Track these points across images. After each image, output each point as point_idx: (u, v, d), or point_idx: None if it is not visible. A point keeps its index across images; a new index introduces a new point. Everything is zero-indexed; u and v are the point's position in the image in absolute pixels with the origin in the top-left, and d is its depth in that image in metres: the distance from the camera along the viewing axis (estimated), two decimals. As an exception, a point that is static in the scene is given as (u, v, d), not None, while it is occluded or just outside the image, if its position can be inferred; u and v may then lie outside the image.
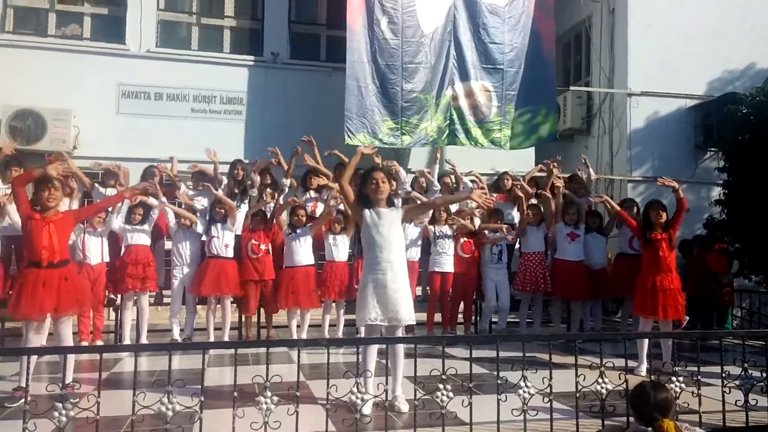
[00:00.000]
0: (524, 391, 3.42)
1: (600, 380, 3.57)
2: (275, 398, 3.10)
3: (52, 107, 8.59)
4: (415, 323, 4.33)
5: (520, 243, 7.41)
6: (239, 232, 6.77)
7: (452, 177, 7.76)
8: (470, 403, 3.36)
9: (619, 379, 3.66)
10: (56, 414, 2.76)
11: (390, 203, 4.30)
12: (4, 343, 6.38)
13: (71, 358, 4.36)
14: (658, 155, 10.69)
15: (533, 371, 3.53)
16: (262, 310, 6.92)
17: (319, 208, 7.20)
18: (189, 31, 10.17)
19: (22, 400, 4.05)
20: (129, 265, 6.30)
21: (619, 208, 6.32)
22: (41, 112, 8.50)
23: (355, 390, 3.26)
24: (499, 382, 3.43)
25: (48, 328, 4.43)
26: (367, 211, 4.21)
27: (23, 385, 4.09)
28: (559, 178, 7.61)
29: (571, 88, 11.55)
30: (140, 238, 6.45)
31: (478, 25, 9.30)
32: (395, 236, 4.20)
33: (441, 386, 3.33)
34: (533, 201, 7.55)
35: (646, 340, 5.36)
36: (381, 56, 8.84)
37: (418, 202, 6.51)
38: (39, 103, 8.56)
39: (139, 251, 6.38)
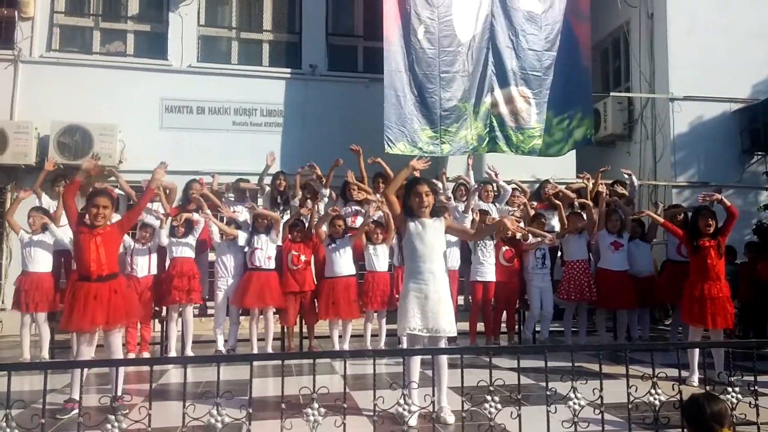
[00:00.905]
0: (574, 403, 3.34)
1: (653, 391, 3.46)
2: (322, 410, 3.09)
3: (99, 123, 8.85)
4: (456, 334, 4.28)
5: (562, 251, 7.29)
6: (280, 243, 6.83)
7: (493, 185, 7.70)
8: (519, 415, 3.29)
9: (672, 390, 3.55)
10: (109, 426, 2.80)
11: (434, 213, 4.28)
12: (54, 356, 6.55)
13: (122, 370, 4.45)
14: (703, 160, 10.42)
15: (583, 382, 3.45)
16: (303, 320, 6.96)
17: (359, 220, 7.21)
18: (229, 45, 10.37)
19: (74, 412, 4.18)
20: (174, 277, 6.40)
21: (662, 220, 6.15)
22: (88, 128, 8.76)
23: (401, 401, 3.23)
24: (548, 393, 3.36)
25: (97, 340, 4.52)
26: (411, 222, 4.20)
27: (75, 397, 4.21)
28: (602, 184, 7.47)
29: (612, 93, 11.36)
30: (185, 250, 6.56)
31: (516, 32, 9.24)
32: (438, 247, 4.18)
33: (489, 398, 3.27)
34: (575, 207, 7.43)
35: (697, 350, 5.20)
36: (418, 66, 8.85)
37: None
38: (86, 119, 8.82)
39: (184, 264, 6.48)
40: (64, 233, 6.91)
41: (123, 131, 9.06)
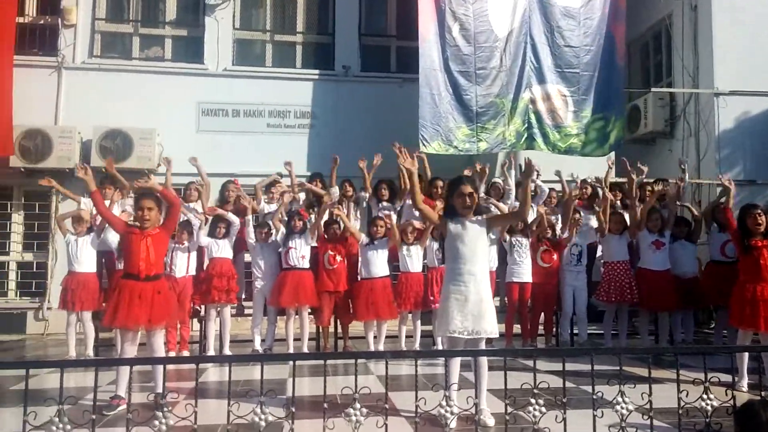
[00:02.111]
0: (622, 407, 3.25)
1: (704, 396, 3.35)
2: (364, 410, 3.07)
3: (138, 127, 9.03)
4: (497, 335, 4.22)
5: (602, 252, 7.13)
6: (314, 244, 6.85)
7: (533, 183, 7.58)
8: (564, 419, 3.22)
9: (726, 395, 3.43)
10: (156, 423, 2.83)
11: (476, 213, 4.22)
12: (98, 353, 6.68)
13: (160, 368, 4.51)
14: (750, 157, 10.08)
15: (631, 386, 3.35)
16: (338, 321, 6.97)
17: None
18: (263, 48, 10.47)
19: (120, 408, 4.26)
20: (214, 277, 6.49)
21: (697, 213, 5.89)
22: (128, 132, 8.96)
23: (443, 403, 3.19)
24: (594, 397, 3.27)
25: (138, 339, 4.59)
26: (451, 223, 4.15)
27: (121, 393, 4.29)
28: (647, 184, 7.29)
29: (653, 89, 11.08)
30: (224, 251, 6.63)
31: (553, 28, 9.11)
32: (480, 248, 4.13)
33: (533, 401, 3.21)
34: (617, 207, 7.28)
35: (746, 354, 5.02)
36: (454, 63, 8.79)
37: (495, 210, 6.40)
38: (126, 123, 9.02)
39: (224, 264, 6.56)
40: (111, 234, 7.10)
41: (161, 135, 9.23)
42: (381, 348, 6.58)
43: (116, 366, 4.77)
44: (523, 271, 6.80)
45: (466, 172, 6.61)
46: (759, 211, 5.15)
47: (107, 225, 5.98)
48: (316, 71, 10.17)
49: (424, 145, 8.53)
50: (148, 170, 9.12)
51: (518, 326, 7.03)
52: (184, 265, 6.54)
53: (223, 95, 9.75)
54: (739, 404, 3.34)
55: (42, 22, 9.75)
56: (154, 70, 9.80)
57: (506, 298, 7.11)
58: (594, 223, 7.37)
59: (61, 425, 2.76)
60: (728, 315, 5.96)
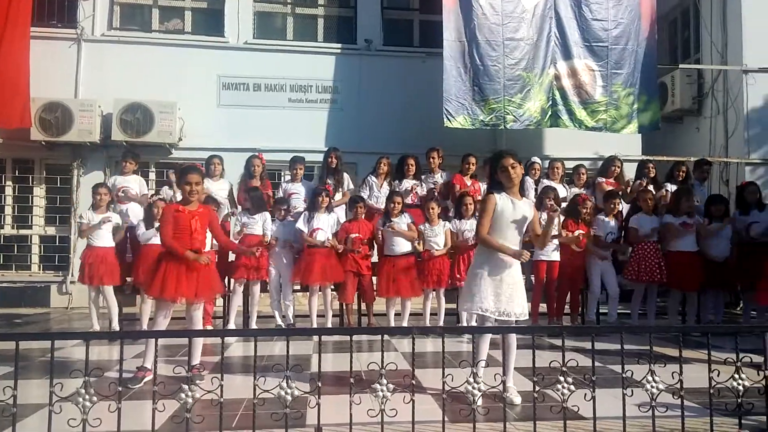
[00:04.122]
0: (652, 386, 3.19)
1: (736, 376, 3.27)
2: (391, 386, 3.05)
3: (159, 100, 8.98)
4: (528, 317, 4.17)
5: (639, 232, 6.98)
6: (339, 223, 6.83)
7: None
8: (593, 397, 3.17)
9: (758, 375, 3.35)
10: (183, 395, 2.82)
11: (522, 193, 4.12)
12: (123, 327, 6.74)
13: (201, 343, 4.55)
14: (780, 135, 9.83)
15: (661, 365, 3.29)
16: (361, 298, 6.96)
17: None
18: (284, 21, 10.33)
19: (146, 380, 4.28)
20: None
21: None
22: (149, 106, 8.91)
23: (471, 380, 3.15)
24: (624, 376, 3.21)
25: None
26: (498, 196, 4.02)
27: (148, 365, 4.31)
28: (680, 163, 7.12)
29: (681, 66, 10.80)
30: (255, 228, 6.57)
31: (581, 1, 8.85)
32: (520, 227, 4.04)
33: (562, 379, 3.16)
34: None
35: (776, 335, 4.90)
36: (480, 32, 8.58)
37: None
38: (146, 97, 8.96)
39: (253, 241, 6.49)
40: (131, 211, 7.13)
41: (182, 109, 9.18)
42: (405, 325, 6.54)
43: (141, 339, 4.80)
44: (551, 249, 6.70)
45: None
46: None
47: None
48: (338, 45, 10.03)
49: (449, 119, 8.41)
50: (169, 144, 9.14)
51: (544, 305, 6.96)
52: (208, 240, 6.50)
53: (244, 69, 9.66)
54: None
55: (61, -7, 9.70)
56: (174, 42, 9.72)
57: (533, 276, 7.02)
58: (625, 206, 7.26)
59: (87, 396, 2.77)
60: (757, 295, 5.86)
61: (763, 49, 9.76)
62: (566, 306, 7.01)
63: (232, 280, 6.60)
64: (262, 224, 6.59)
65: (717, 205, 6.77)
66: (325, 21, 10.37)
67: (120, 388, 2.86)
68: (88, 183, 7.95)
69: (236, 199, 7.23)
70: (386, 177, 7.40)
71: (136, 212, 7.13)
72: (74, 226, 8.99)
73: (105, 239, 6.57)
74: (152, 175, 9.39)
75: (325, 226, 6.57)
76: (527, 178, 7.36)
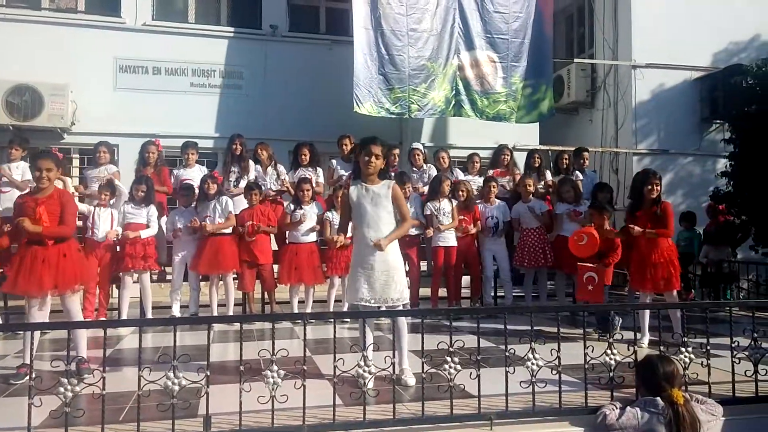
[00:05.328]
0: (532, 363, 3.40)
1: (609, 352, 3.54)
2: (281, 372, 3.07)
3: (49, 82, 8.46)
4: (408, 301, 4.25)
5: (520, 220, 7.32)
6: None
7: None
8: (478, 376, 3.34)
9: (628, 350, 3.64)
10: (62, 389, 2.72)
11: (382, 178, 4.16)
12: (9, 321, 6.35)
13: (84, 334, 4.36)
14: (664, 128, 10.60)
15: (541, 343, 3.50)
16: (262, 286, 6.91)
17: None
18: (185, 3, 9.97)
19: (28, 377, 4.07)
20: (128, 244, 6.22)
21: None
22: (38, 87, 8.36)
23: (361, 363, 3.23)
24: (507, 354, 3.40)
25: (49, 305, 4.39)
26: (352, 189, 4.07)
27: (27, 361, 4.09)
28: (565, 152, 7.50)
29: (575, 60, 11.39)
30: (137, 220, 6.34)
31: (481, -6, 9.14)
32: (383, 213, 4.04)
33: (448, 359, 3.30)
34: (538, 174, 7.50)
35: (647, 313, 5.30)
36: (385, 22, 8.68)
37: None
38: (36, 79, 8.41)
39: (139, 230, 6.28)
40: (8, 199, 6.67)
41: (75, 91, 8.69)
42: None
43: (18, 331, 4.55)
44: (448, 236, 6.89)
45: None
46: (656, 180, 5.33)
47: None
48: (243, 29, 9.80)
49: (358, 105, 8.46)
50: (60, 129, 8.64)
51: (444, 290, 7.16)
52: (107, 228, 6.22)
53: (142, 51, 9.26)
54: (640, 359, 3.59)
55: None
56: (66, 22, 9.15)
57: (432, 262, 7.21)
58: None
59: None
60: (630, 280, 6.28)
61: (651, 46, 10.46)
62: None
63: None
64: (146, 216, 6.36)
65: (603, 193, 7.20)
66: (228, 4, 10.10)
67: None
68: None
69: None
70: (270, 161, 7.29)
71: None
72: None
73: None
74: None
75: (213, 213, 6.44)
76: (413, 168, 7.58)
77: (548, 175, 7.82)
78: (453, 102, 9.13)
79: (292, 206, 6.68)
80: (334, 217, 6.56)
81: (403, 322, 4.12)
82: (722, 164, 9.14)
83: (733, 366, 3.70)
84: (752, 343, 3.76)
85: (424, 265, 7.29)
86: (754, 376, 3.71)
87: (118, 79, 9.21)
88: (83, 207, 6.19)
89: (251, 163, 7.39)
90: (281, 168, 7.37)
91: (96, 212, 6.17)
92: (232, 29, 9.81)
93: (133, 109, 9.00)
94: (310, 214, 6.58)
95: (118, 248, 6.35)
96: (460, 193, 6.97)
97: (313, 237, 6.61)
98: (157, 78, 9.34)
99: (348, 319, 5.35)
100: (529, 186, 7.14)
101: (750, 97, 8.10)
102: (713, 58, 10.66)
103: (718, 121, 10.40)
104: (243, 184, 7.22)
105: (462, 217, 6.88)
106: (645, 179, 5.32)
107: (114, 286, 6.78)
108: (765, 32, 10.65)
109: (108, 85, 9.14)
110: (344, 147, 7.52)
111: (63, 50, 8.85)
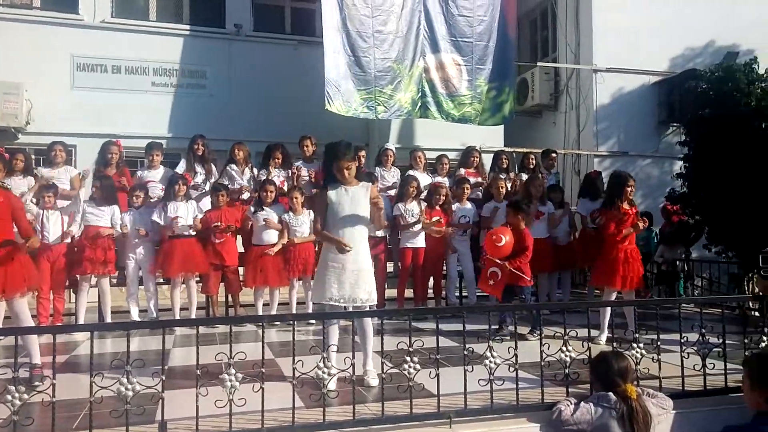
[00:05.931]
0: (490, 361, 3.44)
1: (564, 349, 3.61)
2: (239, 375, 3.04)
3: (2, 80, 8.24)
4: (375, 303, 4.26)
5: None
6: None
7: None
8: (437, 375, 3.36)
9: (582, 347, 3.71)
10: (9, 397, 2.65)
11: (359, 179, 4.19)
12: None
13: (35, 340, 4.23)
14: (623, 130, 10.84)
15: (499, 341, 3.55)
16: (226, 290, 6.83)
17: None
18: (146, 0, 9.80)
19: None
20: (87, 247, 6.05)
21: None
22: (-9, 86, 8.13)
23: (321, 365, 3.22)
24: (465, 353, 3.43)
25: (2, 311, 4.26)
26: (331, 190, 4.09)
27: (-24, 367, 3.97)
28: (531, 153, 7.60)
29: (539, 63, 11.56)
30: (99, 220, 6.20)
31: (446, -2, 9.21)
32: (359, 214, 4.09)
33: (408, 359, 3.32)
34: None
35: (609, 310, 5.37)
36: (351, 23, 8.68)
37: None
38: (-12, 77, 8.18)
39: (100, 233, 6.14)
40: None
41: (30, 90, 8.47)
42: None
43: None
44: (417, 237, 6.92)
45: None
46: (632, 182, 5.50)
47: None
48: (206, 28, 9.70)
49: (329, 102, 8.44)
50: (15, 129, 8.41)
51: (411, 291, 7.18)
52: (57, 230, 6.05)
53: (101, 50, 9.07)
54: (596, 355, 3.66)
55: None
56: (20, 18, 8.91)
57: (399, 263, 7.23)
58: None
59: None
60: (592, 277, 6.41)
61: (611, 50, 10.68)
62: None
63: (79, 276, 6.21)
64: (110, 217, 6.24)
65: (554, 193, 7.35)
66: (191, 3, 9.97)
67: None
68: None
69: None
70: (246, 163, 7.26)
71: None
72: None
73: None
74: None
75: (184, 214, 6.35)
76: (378, 168, 7.60)
77: (524, 177, 7.90)
78: (419, 104, 9.18)
79: (252, 208, 6.63)
80: (291, 218, 6.55)
81: (369, 323, 4.14)
82: (679, 166, 9.37)
83: (682, 361, 3.80)
84: (700, 338, 3.87)
85: (390, 267, 7.31)
86: (702, 371, 3.82)
87: (75, 77, 9.01)
88: (31, 208, 6.01)
89: (213, 165, 7.31)
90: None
91: (44, 215, 6.01)
92: (195, 28, 9.69)
93: (92, 108, 8.82)
94: (272, 216, 6.54)
95: (76, 249, 6.21)
96: (439, 196, 7.01)
97: (276, 238, 6.56)
98: (117, 77, 9.16)
99: (313, 321, 5.34)
100: (502, 187, 7.21)
101: (704, 101, 8.32)
102: (670, 63, 10.94)
103: (675, 125, 10.67)
104: (207, 186, 7.15)
105: (437, 218, 6.90)
106: (625, 180, 5.49)
107: (71, 290, 6.63)
108: (719, 38, 10.97)
109: (65, 84, 8.94)
110: (305, 148, 7.50)
111: (17, 48, 8.62)
